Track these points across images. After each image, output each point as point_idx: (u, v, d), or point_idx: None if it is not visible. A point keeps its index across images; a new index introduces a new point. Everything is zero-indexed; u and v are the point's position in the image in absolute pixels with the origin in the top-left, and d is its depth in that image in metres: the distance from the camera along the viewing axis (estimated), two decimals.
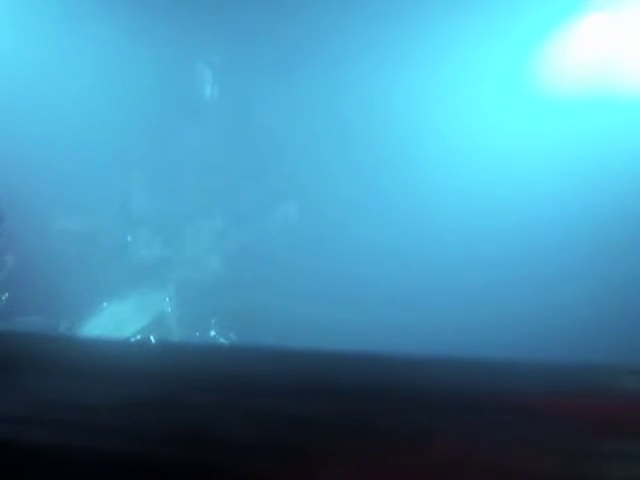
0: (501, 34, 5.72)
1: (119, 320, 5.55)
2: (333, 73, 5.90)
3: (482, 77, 5.84)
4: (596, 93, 5.77)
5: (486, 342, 4.86)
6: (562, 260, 5.56)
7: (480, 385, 0.90)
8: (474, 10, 5.63)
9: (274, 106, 6.02)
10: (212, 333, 5.65)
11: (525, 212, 5.68)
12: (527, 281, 5.62)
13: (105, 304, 5.61)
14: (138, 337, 5.45)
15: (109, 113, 5.96)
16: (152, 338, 5.47)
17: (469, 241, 5.66)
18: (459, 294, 5.61)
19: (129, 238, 5.89)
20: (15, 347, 1.11)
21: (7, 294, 5.70)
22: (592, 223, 5.50)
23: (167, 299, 5.69)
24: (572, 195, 5.60)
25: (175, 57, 6.07)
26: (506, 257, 5.60)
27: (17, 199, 5.87)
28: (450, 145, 5.77)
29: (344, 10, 5.88)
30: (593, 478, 0.74)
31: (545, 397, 0.86)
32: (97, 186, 6.00)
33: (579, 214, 5.54)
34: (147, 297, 5.72)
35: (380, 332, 5.22)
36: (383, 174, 5.87)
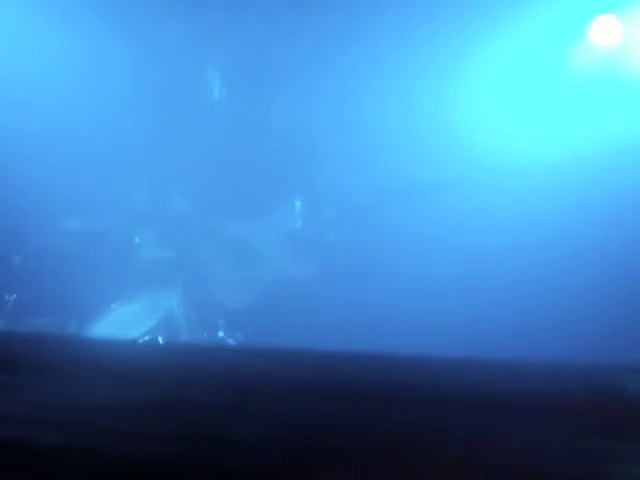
0: (507, 35, 5.72)
1: (127, 321, 5.55)
2: (338, 76, 5.91)
3: (486, 79, 5.84)
4: (605, 95, 5.77)
5: (491, 343, 4.86)
6: (569, 261, 5.55)
7: (486, 386, 0.91)
8: (483, 12, 5.63)
9: (282, 108, 6.02)
10: (220, 334, 5.65)
11: (530, 212, 5.67)
12: (534, 283, 5.62)
13: (113, 305, 5.62)
14: (146, 338, 5.46)
15: (116, 113, 5.97)
16: (160, 339, 5.48)
17: (475, 241, 5.65)
18: (459, 295, 5.61)
19: (137, 239, 5.89)
20: (23, 348, 1.11)
21: (15, 295, 5.71)
22: (598, 224, 5.50)
23: (175, 300, 5.69)
24: (580, 197, 5.59)
25: (183, 58, 6.08)
26: (511, 259, 5.59)
27: (24, 199, 5.88)
28: (453, 143, 5.77)
29: (352, 13, 5.88)
30: (595, 478, 0.74)
31: (550, 397, 0.86)
32: (104, 186, 6.01)
33: (585, 217, 5.53)
34: (155, 298, 5.72)
35: (391, 330, 5.23)
36: (387, 173, 5.87)
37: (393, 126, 5.86)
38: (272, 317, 5.62)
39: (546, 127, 5.84)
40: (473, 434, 0.82)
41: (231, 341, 5.60)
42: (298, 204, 5.95)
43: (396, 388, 0.91)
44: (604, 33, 5.78)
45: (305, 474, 0.80)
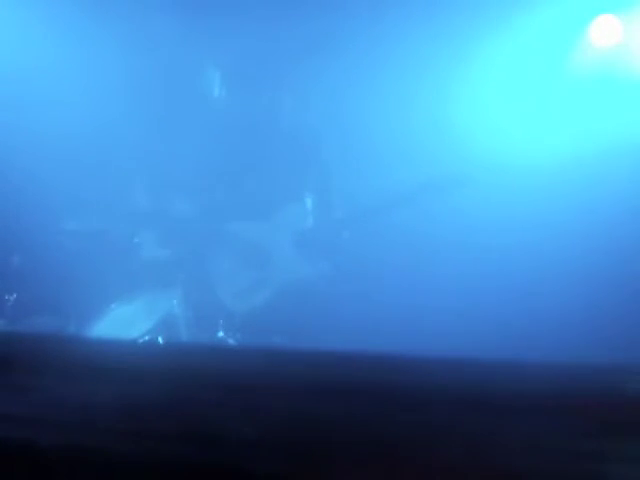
0: (507, 35, 5.72)
1: (127, 321, 5.55)
2: (343, 75, 5.91)
3: (487, 79, 5.84)
4: (605, 95, 5.77)
5: (492, 343, 4.86)
6: (570, 260, 5.55)
7: (484, 385, 0.91)
8: (483, 12, 5.63)
9: (286, 107, 6.02)
10: (220, 334, 5.65)
11: (532, 212, 5.67)
12: (535, 282, 5.62)
13: (113, 305, 5.62)
14: (146, 338, 5.46)
15: (116, 113, 5.96)
16: (160, 339, 5.48)
17: (480, 241, 5.65)
18: (462, 295, 5.61)
19: (136, 239, 5.89)
20: (23, 348, 1.11)
21: (15, 295, 5.71)
22: (599, 224, 5.50)
23: (175, 300, 5.69)
24: (581, 197, 5.60)
25: (184, 58, 6.08)
26: (513, 258, 5.59)
27: (24, 199, 5.87)
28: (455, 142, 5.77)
29: (354, 13, 5.88)
30: (595, 478, 0.74)
31: (550, 397, 0.86)
32: (104, 186, 6.01)
33: (586, 216, 5.53)
34: (155, 298, 5.71)
35: (397, 330, 5.23)
36: (394, 173, 5.87)
37: (399, 126, 5.86)
38: (278, 317, 5.62)
39: (546, 127, 5.83)
40: (473, 434, 0.82)
41: (231, 341, 5.60)
42: (303, 205, 5.95)
43: (396, 388, 0.91)
44: (604, 33, 5.78)
45: (305, 474, 0.80)
